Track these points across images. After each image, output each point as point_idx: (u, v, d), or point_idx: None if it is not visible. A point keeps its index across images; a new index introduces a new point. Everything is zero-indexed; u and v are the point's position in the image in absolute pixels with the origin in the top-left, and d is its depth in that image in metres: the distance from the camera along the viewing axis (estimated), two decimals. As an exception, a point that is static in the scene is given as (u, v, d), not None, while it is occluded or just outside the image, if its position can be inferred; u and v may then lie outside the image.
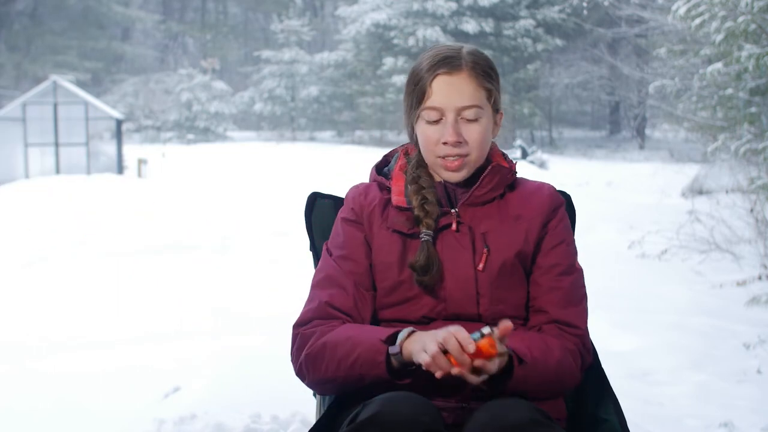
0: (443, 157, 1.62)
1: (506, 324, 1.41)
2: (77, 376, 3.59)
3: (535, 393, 1.50)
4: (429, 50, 1.67)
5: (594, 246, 7.04)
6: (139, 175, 17.03)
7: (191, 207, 11.39)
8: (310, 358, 1.58)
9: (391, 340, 1.49)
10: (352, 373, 1.51)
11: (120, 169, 17.40)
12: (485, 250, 1.61)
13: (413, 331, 1.49)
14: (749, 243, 6.95)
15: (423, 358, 1.40)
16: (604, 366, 1.76)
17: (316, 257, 1.86)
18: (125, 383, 3.51)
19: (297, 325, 1.64)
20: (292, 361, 1.64)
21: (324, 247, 1.73)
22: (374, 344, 1.49)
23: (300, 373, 1.63)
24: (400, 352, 1.46)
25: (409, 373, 1.48)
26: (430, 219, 1.60)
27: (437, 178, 1.68)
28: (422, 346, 1.41)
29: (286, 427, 3.03)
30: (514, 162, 1.71)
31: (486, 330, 1.40)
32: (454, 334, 1.39)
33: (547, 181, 1.77)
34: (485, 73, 1.63)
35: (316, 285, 1.68)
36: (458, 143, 1.60)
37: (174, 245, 8.07)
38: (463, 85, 1.61)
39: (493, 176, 1.65)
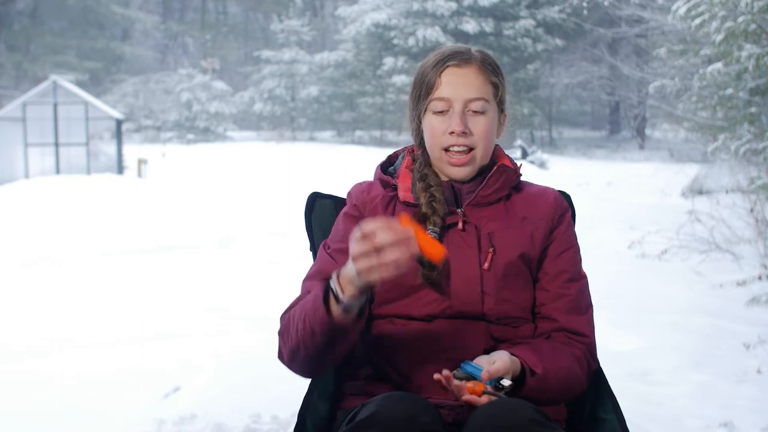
0: (449, 150, 1.63)
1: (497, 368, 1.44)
2: (77, 376, 3.59)
3: (542, 400, 1.51)
4: (436, 49, 1.70)
5: (594, 246, 7.03)
6: (139, 175, 17.03)
7: (191, 207, 11.39)
8: (280, 334, 1.58)
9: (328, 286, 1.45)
10: (305, 330, 1.48)
11: (120, 169, 17.40)
12: (491, 249, 1.62)
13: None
14: (749, 243, 6.94)
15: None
16: (603, 366, 1.76)
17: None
18: (125, 383, 3.51)
19: (281, 316, 1.63)
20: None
21: (321, 246, 1.72)
22: (315, 293, 1.46)
23: (280, 356, 1.60)
24: (337, 285, 1.41)
25: (356, 313, 1.43)
26: (437, 217, 1.60)
27: (443, 178, 1.68)
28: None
29: (286, 427, 3.03)
30: (518, 164, 1.72)
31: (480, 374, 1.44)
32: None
33: (547, 181, 1.77)
34: (493, 69, 1.66)
35: (307, 278, 1.68)
36: (464, 133, 1.61)
37: (174, 245, 8.07)
38: (471, 77, 1.62)
39: (499, 176, 1.65)
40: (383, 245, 1.31)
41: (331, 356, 1.53)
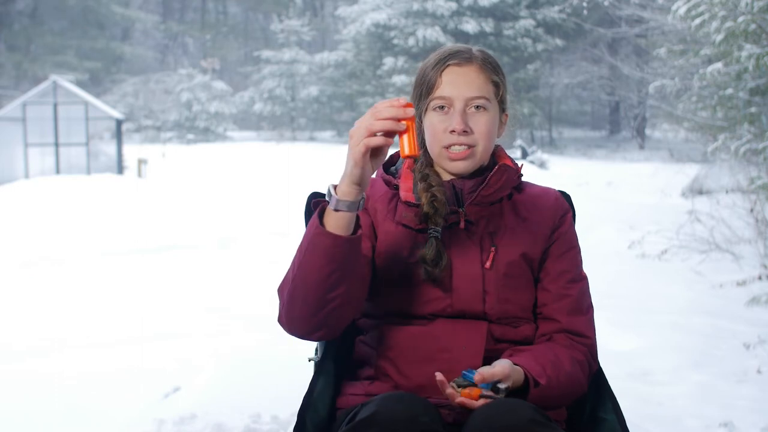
0: (449, 147, 1.63)
1: (492, 372, 1.44)
2: (77, 376, 3.59)
3: (542, 406, 1.50)
4: (437, 50, 1.70)
5: (594, 246, 7.03)
6: (139, 175, 17.03)
7: (191, 207, 11.39)
8: (279, 290, 1.56)
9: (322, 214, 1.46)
10: (300, 259, 1.48)
11: (120, 169, 17.40)
12: (492, 248, 1.62)
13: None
14: (749, 243, 6.95)
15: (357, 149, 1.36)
16: (603, 366, 1.76)
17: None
18: (125, 383, 3.52)
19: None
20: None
21: None
22: (312, 221, 1.46)
23: (279, 317, 1.57)
24: (332, 188, 1.42)
25: (351, 225, 1.43)
26: (439, 216, 1.60)
27: (445, 177, 1.69)
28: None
29: (286, 427, 3.03)
30: (520, 165, 1.72)
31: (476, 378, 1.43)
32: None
33: (547, 181, 1.77)
34: (494, 68, 1.66)
35: None
36: (465, 132, 1.61)
37: (174, 245, 8.07)
38: (472, 76, 1.63)
39: (500, 176, 1.65)
40: (383, 116, 1.35)
41: (329, 297, 1.48)
